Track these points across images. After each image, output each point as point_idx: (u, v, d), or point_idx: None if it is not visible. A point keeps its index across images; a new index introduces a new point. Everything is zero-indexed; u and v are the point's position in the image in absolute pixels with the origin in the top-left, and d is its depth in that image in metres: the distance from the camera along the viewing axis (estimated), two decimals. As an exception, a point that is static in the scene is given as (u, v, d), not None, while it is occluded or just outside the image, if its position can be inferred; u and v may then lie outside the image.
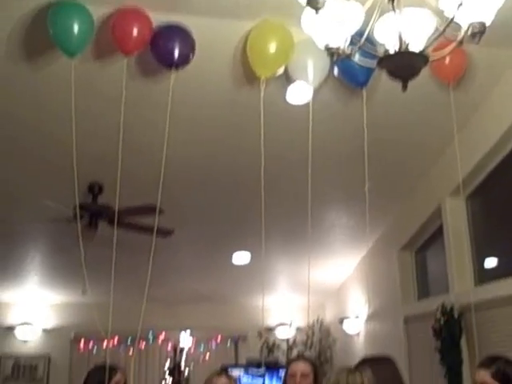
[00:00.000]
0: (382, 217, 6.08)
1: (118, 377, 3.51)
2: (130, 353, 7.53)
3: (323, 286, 7.48)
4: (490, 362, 2.76)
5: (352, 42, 2.17)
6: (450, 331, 5.05)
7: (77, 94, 3.28)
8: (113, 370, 3.55)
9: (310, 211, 3.94)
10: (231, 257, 7.08)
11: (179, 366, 7.27)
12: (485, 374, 2.68)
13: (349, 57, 2.19)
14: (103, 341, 7.22)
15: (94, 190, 5.22)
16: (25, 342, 7.95)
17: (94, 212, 5.14)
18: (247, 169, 4.14)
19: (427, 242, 6.18)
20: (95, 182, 5.19)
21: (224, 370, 3.56)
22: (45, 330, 8.05)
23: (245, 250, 6.93)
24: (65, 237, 4.57)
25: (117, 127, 3.13)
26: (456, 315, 5.05)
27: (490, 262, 5.30)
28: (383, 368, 3.14)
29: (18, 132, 4.56)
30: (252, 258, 6.98)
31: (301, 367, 3.48)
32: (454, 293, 5.26)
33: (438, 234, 5.75)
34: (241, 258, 7.08)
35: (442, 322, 5.13)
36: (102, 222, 5.14)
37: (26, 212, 5.67)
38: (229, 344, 8.48)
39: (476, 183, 5.17)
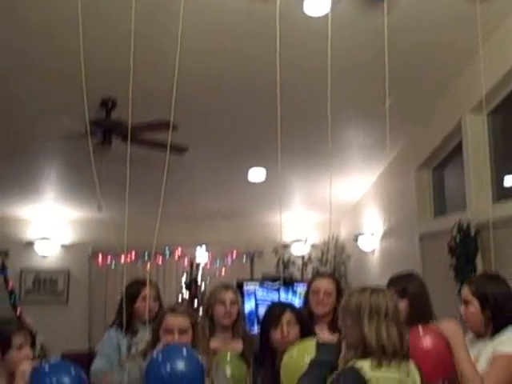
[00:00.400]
0: (400, 134, 5.97)
1: (145, 291, 3.60)
2: (148, 268, 7.65)
3: (339, 203, 7.47)
4: (474, 279, 2.82)
5: None
6: (465, 249, 5.05)
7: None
8: (142, 284, 3.64)
9: (327, 127, 3.85)
10: (247, 173, 7.05)
11: (195, 281, 7.41)
12: (466, 291, 2.71)
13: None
14: (121, 256, 7.33)
15: (107, 105, 5.13)
16: (44, 256, 8.12)
17: (108, 128, 5.07)
18: (263, 81, 4.01)
19: (445, 159, 6.09)
20: (108, 96, 5.09)
21: (230, 286, 3.55)
22: (63, 246, 8.19)
23: (260, 166, 6.89)
24: (79, 153, 4.51)
25: (129, 36, 2.99)
26: (472, 233, 5.04)
27: (510, 180, 5.22)
28: (414, 283, 3.12)
29: (27, 47, 4.45)
30: (267, 174, 6.94)
31: (324, 284, 3.46)
32: (471, 210, 5.22)
33: (457, 151, 5.65)
34: (256, 174, 7.05)
35: (457, 240, 5.12)
36: (116, 138, 5.08)
37: (40, 128, 5.63)
38: (244, 260, 8.60)
39: (498, 99, 5.02)
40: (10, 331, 2.69)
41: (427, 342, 2.56)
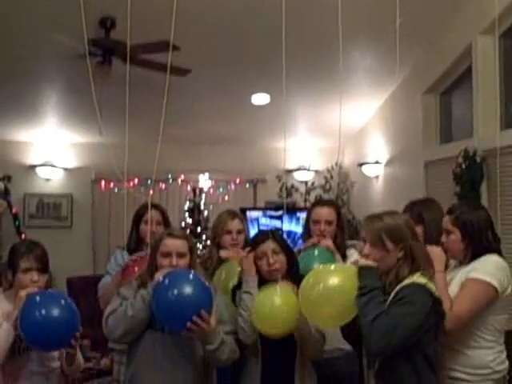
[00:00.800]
0: (408, 58, 5.79)
1: (147, 215, 3.62)
2: (150, 193, 7.65)
3: (343, 130, 7.33)
4: (455, 208, 2.82)
5: None
6: (470, 176, 5.00)
7: None
8: (144, 208, 3.65)
9: (333, 52, 3.73)
10: (250, 98, 6.94)
11: (198, 207, 7.43)
12: (447, 220, 2.77)
13: None
14: (123, 182, 7.32)
15: (106, 24, 4.99)
16: (47, 180, 8.11)
17: (107, 48, 4.94)
18: (269, 3, 3.86)
19: (453, 84, 5.96)
20: (107, 15, 4.94)
21: (236, 213, 3.53)
22: (66, 170, 8.17)
23: (264, 92, 6.76)
24: (79, 76, 4.40)
25: None
26: (478, 160, 4.98)
27: (519, 107, 5.12)
28: (430, 210, 3.10)
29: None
30: (271, 100, 6.83)
31: (325, 213, 3.40)
32: (477, 137, 5.14)
33: (466, 75, 5.52)
34: (260, 100, 6.94)
35: (463, 167, 5.07)
36: (116, 59, 4.96)
37: (38, 48, 5.49)
38: (247, 186, 8.59)
39: (511, 21, 4.84)
40: (19, 255, 2.70)
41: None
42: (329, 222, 3.37)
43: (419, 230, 2.89)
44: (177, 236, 2.80)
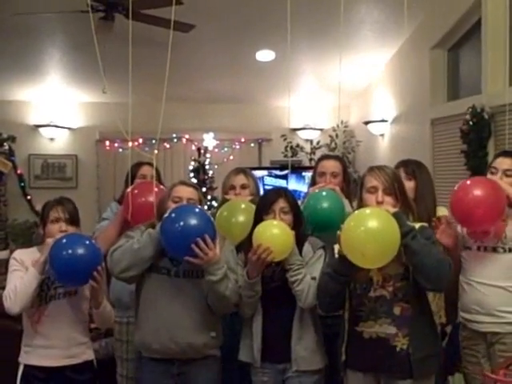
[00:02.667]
0: (416, 11, 5.67)
1: (143, 170, 3.67)
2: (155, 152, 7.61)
3: (349, 88, 7.29)
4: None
5: None
6: (478, 133, 4.94)
7: None
8: (138, 164, 3.69)
9: (339, 6, 3.63)
10: (255, 55, 6.85)
11: (203, 167, 7.41)
12: (506, 161, 2.86)
13: None
14: (128, 142, 7.27)
15: (108, -22, 4.88)
16: (51, 140, 8.08)
17: (109, 3, 4.84)
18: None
19: (462, 39, 5.84)
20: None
21: (242, 169, 3.53)
22: (70, 130, 8.14)
23: (269, 48, 6.67)
24: (81, 32, 4.34)
25: None
26: (486, 117, 4.91)
27: (528, 62, 5.02)
28: (423, 171, 3.23)
29: None
30: (276, 57, 6.74)
31: (331, 165, 3.42)
32: (486, 94, 5.06)
33: (475, 30, 5.41)
34: (265, 56, 6.86)
35: (470, 124, 5.01)
36: (119, 14, 4.87)
37: (39, 4, 5.37)
38: (252, 145, 8.55)
39: (522, -25, 4.73)
40: (48, 207, 2.81)
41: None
42: (334, 175, 3.38)
43: (412, 184, 3.08)
44: (189, 184, 2.94)
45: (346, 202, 3.25)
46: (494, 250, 2.77)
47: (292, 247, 2.70)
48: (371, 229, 2.34)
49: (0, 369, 3.27)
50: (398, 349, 2.47)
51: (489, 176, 2.88)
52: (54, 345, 2.73)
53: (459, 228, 2.91)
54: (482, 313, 2.75)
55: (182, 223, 2.56)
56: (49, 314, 2.74)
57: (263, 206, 2.82)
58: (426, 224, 2.61)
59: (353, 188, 3.67)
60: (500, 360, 2.68)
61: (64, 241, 2.64)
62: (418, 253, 2.38)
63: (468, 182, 2.85)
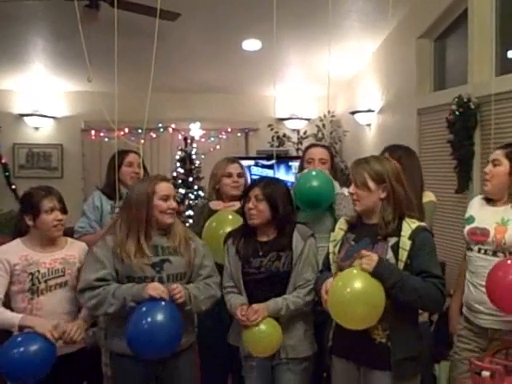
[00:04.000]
0: (402, 1, 5.68)
1: (130, 157, 3.70)
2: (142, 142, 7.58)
3: (335, 78, 7.27)
4: (507, 145, 2.95)
5: None
6: (464, 123, 4.96)
7: None
8: (125, 152, 3.71)
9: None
10: (241, 45, 6.82)
11: (190, 157, 7.37)
12: (500, 153, 2.89)
13: None
14: (114, 131, 7.22)
15: (92, -35, 4.83)
16: (36, 129, 8.01)
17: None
18: None
19: (448, 29, 5.84)
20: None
21: (235, 159, 3.55)
22: (55, 119, 8.06)
23: (255, 38, 6.64)
24: (66, 20, 4.29)
25: None
26: (472, 106, 4.93)
27: (514, 54, 5.04)
28: (410, 157, 3.30)
29: None
30: (262, 46, 6.71)
31: (319, 152, 3.48)
32: (472, 84, 5.07)
33: (461, 20, 5.41)
34: (251, 46, 6.83)
35: (457, 114, 5.02)
36: (104, 3, 4.82)
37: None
38: (239, 135, 8.52)
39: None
40: (38, 197, 2.79)
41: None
42: (323, 162, 3.42)
43: None
44: (168, 180, 2.92)
45: (335, 183, 3.28)
46: (494, 254, 2.78)
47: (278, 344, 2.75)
48: (354, 307, 2.36)
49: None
50: (376, 342, 2.49)
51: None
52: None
53: (466, 228, 2.92)
54: (484, 312, 2.77)
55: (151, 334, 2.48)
56: (41, 307, 2.76)
57: (244, 194, 2.98)
58: (423, 224, 2.61)
59: (340, 177, 3.71)
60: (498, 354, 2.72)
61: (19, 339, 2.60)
62: (408, 301, 2.43)
63: (509, 262, 2.67)
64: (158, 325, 2.47)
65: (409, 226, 2.53)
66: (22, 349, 2.54)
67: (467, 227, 2.89)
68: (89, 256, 2.80)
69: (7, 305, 2.75)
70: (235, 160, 3.55)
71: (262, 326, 2.70)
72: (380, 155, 3.25)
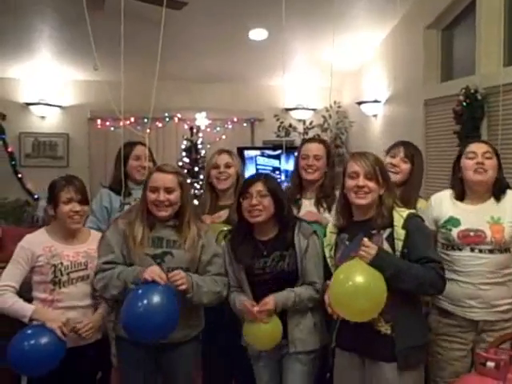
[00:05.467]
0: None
1: (137, 150, 3.63)
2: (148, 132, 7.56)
3: (341, 68, 7.25)
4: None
5: None
6: (471, 114, 4.93)
7: None
8: (131, 144, 3.66)
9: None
10: (248, 34, 6.79)
11: (196, 146, 7.37)
12: (487, 146, 2.90)
13: None
14: (120, 120, 7.19)
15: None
16: (42, 118, 8.01)
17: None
18: None
19: (456, 19, 5.80)
20: None
21: (225, 150, 3.53)
22: (62, 108, 8.06)
23: (262, 27, 6.61)
24: (72, 8, 4.30)
25: None
26: (479, 97, 4.90)
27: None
28: (420, 158, 3.33)
29: None
30: (269, 35, 6.69)
31: (314, 148, 3.42)
32: (479, 74, 5.04)
33: (470, 10, 5.37)
34: (257, 35, 6.80)
35: (464, 105, 5.00)
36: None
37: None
38: (245, 125, 8.51)
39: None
40: (58, 187, 2.81)
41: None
42: (317, 158, 3.38)
43: (407, 166, 3.21)
44: (166, 171, 2.82)
45: (324, 219, 3.20)
46: (491, 251, 2.77)
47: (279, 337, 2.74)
48: (354, 294, 2.35)
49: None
50: (381, 333, 2.49)
51: (466, 161, 2.86)
52: None
53: (455, 232, 2.85)
54: (477, 306, 2.75)
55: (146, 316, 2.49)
56: (61, 299, 2.78)
57: (242, 189, 2.85)
58: (413, 211, 2.65)
59: (339, 172, 3.68)
60: (483, 345, 2.72)
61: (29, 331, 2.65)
62: (409, 288, 2.45)
63: None
64: (150, 307, 2.47)
65: (400, 215, 2.54)
66: (32, 342, 2.58)
67: (455, 230, 2.81)
68: (101, 240, 2.86)
69: (28, 293, 2.80)
70: (224, 151, 3.49)
71: (266, 323, 2.70)
72: (392, 147, 3.28)
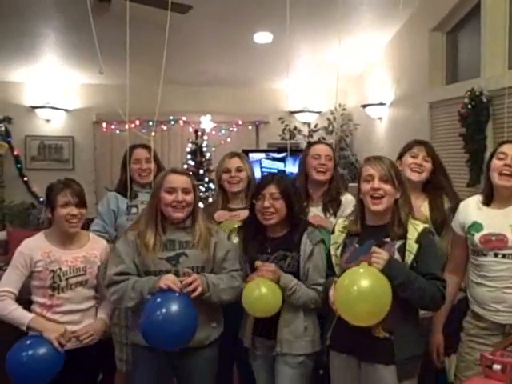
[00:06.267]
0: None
1: (136, 154, 3.62)
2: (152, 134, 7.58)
3: (346, 71, 7.25)
4: None
5: None
6: (476, 117, 4.93)
7: None
8: (132, 148, 3.65)
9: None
10: (252, 37, 6.80)
11: (201, 149, 7.38)
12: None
13: None
14: (125, 123, 7.23)
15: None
16: (48, 121, 8.04)
17: (106, -17, 4.80)
18: None
19: (461, 22, 5.80)
20: None
21: (237, 153, 3.53)
22: (67, 111, 8.09)
23: (266, 30, 6.62)
24: (77, 12, 4.31)
25: None
26: (485, 100, 4.90)
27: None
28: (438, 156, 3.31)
29: None
30: (274, 39, 6.70)
31: (325, 149, 3.44)
32: (484, 77, 5.04)
33: (474, 13, 5.37)
34: (262, 38, 6.81)
35: (469, 108, 4.99)
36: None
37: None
38: (250, 128, 8.52)
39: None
40: (55, 191, 2.80)
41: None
42: (329, 158, 3.40)
43: (429, 165, 3.19)
44: (181, 172, 2.86)
45: (328, 224, 3.17)
46: None
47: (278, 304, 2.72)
48: (361, 299, 2.34)
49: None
50: (380, 337, 2.49)
51: (495, 161, 2.78)
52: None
53: (477, 236, 2.79)
54: (502, 310, 2.72)
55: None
56: (60, 304, 2.77)
57: (255, 191, 2.87)
58: (427, 225, 2.63)
59: (351, 170, 3.68)
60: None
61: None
62: (412, 299, 2.45)
63: None
64: (168, 315, 2.47)
65: (414, 228, 2.52)
66: (29, 352, 2.57)
67: (477, 235, 2.77)
68: (112, 251, 2.83)
69: (28, 297, 2.79)
70: (236, 154, 3.50)
71: (264, 288, 2.68)
72: (409, 148, 3.25)
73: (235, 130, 8.39)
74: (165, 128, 8.12)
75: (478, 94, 4.90)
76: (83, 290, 2.83)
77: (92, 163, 8.15)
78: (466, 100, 4.97)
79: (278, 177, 2.90)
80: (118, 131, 7.81)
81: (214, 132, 7.97)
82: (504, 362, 2.41)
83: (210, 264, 2.79)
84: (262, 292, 2.66)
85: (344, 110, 8.06)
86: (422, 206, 3.17)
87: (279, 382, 2.80)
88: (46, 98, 7.89)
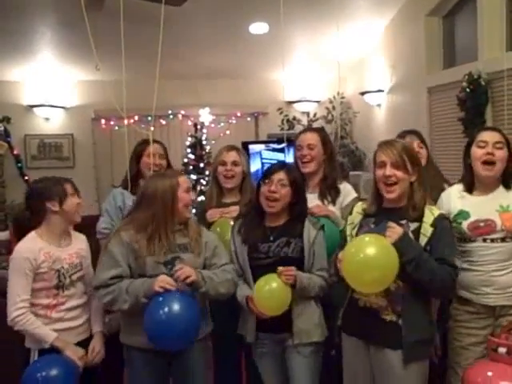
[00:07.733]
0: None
1: (154, 148, 3.60)
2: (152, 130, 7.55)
3: (344, 59, 7.23)
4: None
5: None
6: (475, 100, 4.92)
7: None
8: (146, 143, 3.62)
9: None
10: (248, 28, 6.77)
11: (200, 142, 7.37)
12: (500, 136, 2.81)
13: None
14: (124, 119, 7.19)
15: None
16: (47, 119, 8.03)
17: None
18: None
19: (457, 5, 5.78)
20: None
21: (235, 147, 3.52)
22: (65, 109, 8.08)
23: (262, 21, 6.59)
24: (72, 8, 4.29)
25: None
26: (483, 83, 4.88)
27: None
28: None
29: None
30: (270, 29, 6.67)
31: (307, 138, 3.37)
32: (482, 60, 5.03)
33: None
34: (258, 29, 6.78)
35: (467, 91, 4.98)
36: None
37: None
38: (249, 119, 8.50)
39: None
40: (62, 182, 2.81)
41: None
42: (311, 147, 3.31)
43: (425, 151, 3.32)
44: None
45: (334, 215, 3.17)
46: (503, 240, 2.74)
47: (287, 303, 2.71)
48: (368, 262, 2.35)
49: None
50: (387, 320, 2.49)
51: (476, 149, 2.79)
52: (70, 326, 2.77)
53: (465, 224, 2.82)
54: (492, 292, 2.74)
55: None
56: (64, 302, 2.77)
57: (264, 175, 2.87)
58: (444, 212, 2.65)
59: (346, 161, 3.66)
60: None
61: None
62: (422, 280, 2.43)
63: None
64: (172, 315, 2.48)
65: (431, 213, 2.52)
66: (46, 373, 2.56)
67: (465, 223, 2.79)
68: (104, 253, 2.75)
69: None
70: (233, 148, 3.47)
71: (275, 285, 2.68)
72: (402, 138, 3.28)
73: (234, 122, 8.37)
74: (164, 123, 8.10)
75: (476, 77, 4.88)
76: (81, 285, 2.85)
77: (92, 160, 8.14)
78: (464, 84, 4.96)
79: (289, 165, 2.94)
80: (116, 127, 7.79)
81: (213, 125, 7.95)
82: (509, 345, 2.42)
83: (203, 264, 2.81)
84: (276, 294, 2.67)
85: (343, 98, 8.03)
86: None
87: (294, 372, 2.80)
88: (43, 97, 7.88)
